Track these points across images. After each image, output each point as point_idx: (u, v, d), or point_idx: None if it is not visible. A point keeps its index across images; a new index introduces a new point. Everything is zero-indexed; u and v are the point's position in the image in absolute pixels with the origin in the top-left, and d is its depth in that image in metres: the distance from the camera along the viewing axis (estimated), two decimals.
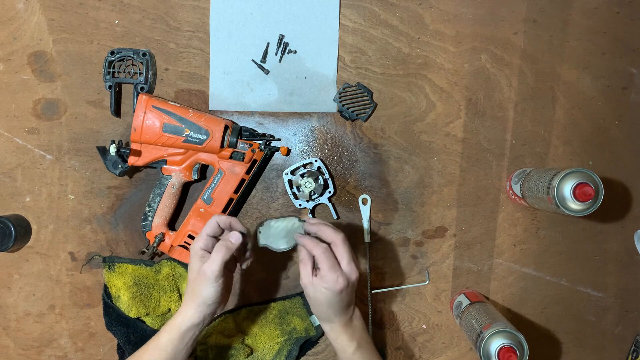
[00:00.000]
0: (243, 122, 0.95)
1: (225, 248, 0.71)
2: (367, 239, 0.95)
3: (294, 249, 0.76)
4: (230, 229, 0.75)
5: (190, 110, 0.88)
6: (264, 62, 0.94)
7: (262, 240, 0.76)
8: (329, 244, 0.73)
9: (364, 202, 0.95)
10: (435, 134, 0.96)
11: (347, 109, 0.93)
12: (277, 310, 0.94)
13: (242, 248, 0.75)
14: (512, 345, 0.77)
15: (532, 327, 0.97)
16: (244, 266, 0.79)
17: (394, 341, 0.96)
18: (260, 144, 0.91)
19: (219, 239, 0.75)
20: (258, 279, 0.96)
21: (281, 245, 0.76)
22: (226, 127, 0.89)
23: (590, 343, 0.98)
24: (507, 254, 0.97)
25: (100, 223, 0.95)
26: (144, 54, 0.92)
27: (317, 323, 0.95)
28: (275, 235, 0.75)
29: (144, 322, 0.91)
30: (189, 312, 0.74)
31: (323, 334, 0.95)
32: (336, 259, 0.72)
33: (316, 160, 0.93)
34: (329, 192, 0.93)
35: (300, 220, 0.76)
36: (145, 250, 0.90)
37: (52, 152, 0.94)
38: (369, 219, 0.95)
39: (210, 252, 0.72)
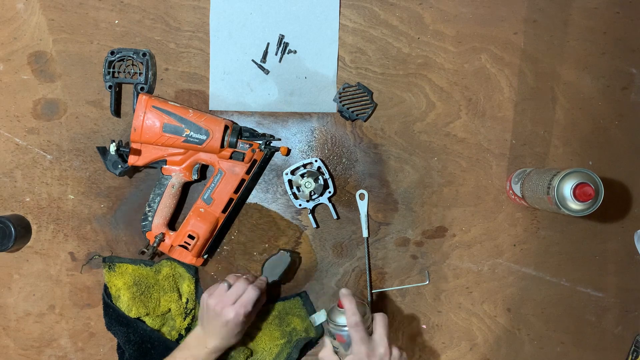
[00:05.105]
0: (243, 122, 0.95)
1: (258, 288, 0.85)
2: (365, 233, 0.95)
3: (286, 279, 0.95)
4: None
5: (190, 110, 0.88)
6: (264, 62, 0.94)
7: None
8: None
9: (361, 197, 0.95)
10: (435, 134, 0.96)
11: (347, 109, 0.93)
12: (276, 311, 0.94)
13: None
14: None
15: (532, 327, 0.97)
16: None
17: (394, 341, 0.96)
18: (260, 144, 0.91)
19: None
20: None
21: (272, 278, 0.92)
22: (226, 127, 0.89)
23: (590, 343, 0.98)
24: (507, 254, 0.97)
25: (100, 223, 0.95)
26: (144, 54, 0.92)
27: (317, 323, 0.95)
28: (271, 270, 0.92)
29: (144, 322, 0.91)
30: (215, 341, 0.83)
31: (323, 334, 0.95)
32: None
33: (316, 160, 0.93)
34: (329, 192, 0.93)
35: (285, 250, 0.93)
36: (145, 250, 0.90)
37: (52, 152, 0.94)
38: (366, 213, 0.95)
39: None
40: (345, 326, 0.75)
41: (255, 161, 0.91)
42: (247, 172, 0.91)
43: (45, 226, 0.95)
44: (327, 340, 0.78)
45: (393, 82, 0.95)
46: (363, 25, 0.95)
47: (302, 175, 0.91)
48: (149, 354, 0.89)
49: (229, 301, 0.82)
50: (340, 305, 0.77)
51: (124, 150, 0.88)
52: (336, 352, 0.76)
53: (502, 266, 0.97)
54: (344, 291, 0.76)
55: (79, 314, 0.95)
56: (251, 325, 0.93)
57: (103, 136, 0.94)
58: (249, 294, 0.83)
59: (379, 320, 0.75)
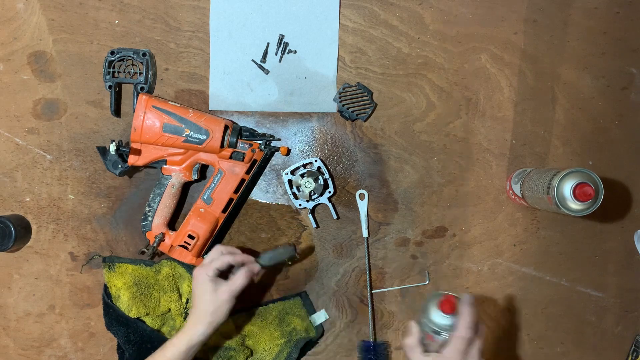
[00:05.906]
0: (243, 122, 0.95)
1: (249, 273, 0.82)
2: (365, 233, 0.95)
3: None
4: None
5: (190, 110, 0.88)
6: (264, 62, 0.94)
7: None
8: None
9: (361, 197, 0.95)
10: (435, 134, 0.96)
11: (347, 109, 0.93)
12: (276, 311, 0.94)
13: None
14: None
15: (532, 327, 0.97)
16: (256, 280, 0.86)
17: (394, 341, 0.96)
18: (260, 144, 0.91)
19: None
20: (258, 280, 0.95)
21: (263, 263, 0.85)
22: (226, 127, 0.89)
23: (590, 343, 0.98)
24: (507, 254, 0.97)
25: (100, 223, 0.95)
26: (144, 54, 0.92)
27: (317, 323, 0.95)
28: (269, 258, 0.86)
29: (144, 322, 0.91)
30: (201, 328, 0.80)
31: (323, 334, 0.95)
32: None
33: (316, 160, 0.93)
34: (329, 192, 0.93)
35: (293, 246, 0.86)
36: (145, 250, 0.90)
37: (52, 152, 0.94)
38: (366, 213, 0.95)
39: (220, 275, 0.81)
40: (444, 331, 0.71)
41: (255, 161, 0.91)
42: (247, 172, 0.91)
43: (45, 226, 0.95)
44: (414, 329, 0.75)
45: (393, 82, 0.95)
46: (363, 25, 0.95)
47: (302, 175, 0.92)
48: (149, 354, 0.88)
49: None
50: (445, 309, 0.72)
51: (124, 150, 0.88)
52: (423, 344, 0.74)
53: (502, 266, 0.97)
54: (467, 298, 0.71)
55: (79, 314, 0.95)
56: (251, 325, 0.93)
57: (103, 136, 0.94)
58: (241, 280, 0.81)
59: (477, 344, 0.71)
